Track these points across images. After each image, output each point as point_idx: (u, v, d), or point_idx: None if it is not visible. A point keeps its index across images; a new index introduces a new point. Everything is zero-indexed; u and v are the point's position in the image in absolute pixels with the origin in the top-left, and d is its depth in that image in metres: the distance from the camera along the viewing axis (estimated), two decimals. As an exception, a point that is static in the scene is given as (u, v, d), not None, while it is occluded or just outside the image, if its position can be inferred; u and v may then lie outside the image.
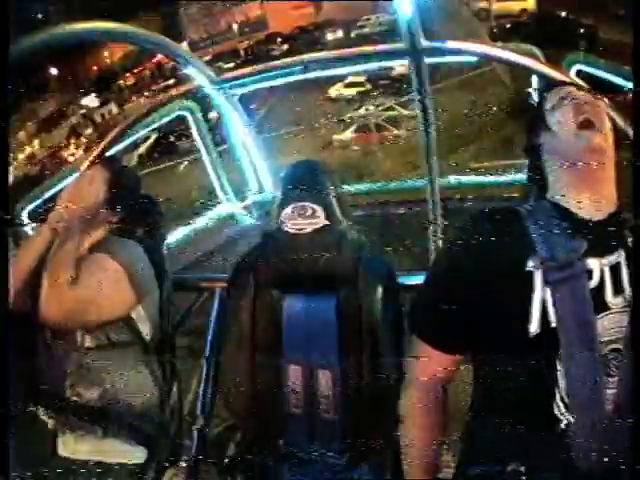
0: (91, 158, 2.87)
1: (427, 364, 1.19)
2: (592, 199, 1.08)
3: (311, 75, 2.98)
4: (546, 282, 1.03)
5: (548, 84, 1.25)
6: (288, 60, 3.11)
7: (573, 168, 1.08)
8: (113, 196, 1.65)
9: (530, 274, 1.04)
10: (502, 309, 1.05)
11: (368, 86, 13.45)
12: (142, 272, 1.58)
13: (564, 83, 1.24)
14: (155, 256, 1.65)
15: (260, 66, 3.18)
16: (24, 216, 3.11)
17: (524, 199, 1.19)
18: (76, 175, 1.74)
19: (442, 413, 1.19)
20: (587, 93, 1.16)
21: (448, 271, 1.17)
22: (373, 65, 3.34)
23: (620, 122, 1.94)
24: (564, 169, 1.10)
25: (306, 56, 3.01)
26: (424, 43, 2.45)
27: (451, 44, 2.54)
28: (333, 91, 13.72)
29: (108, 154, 2.92)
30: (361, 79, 13.30)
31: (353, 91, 13.46)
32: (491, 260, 1.07)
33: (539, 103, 1.20)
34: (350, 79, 12.97)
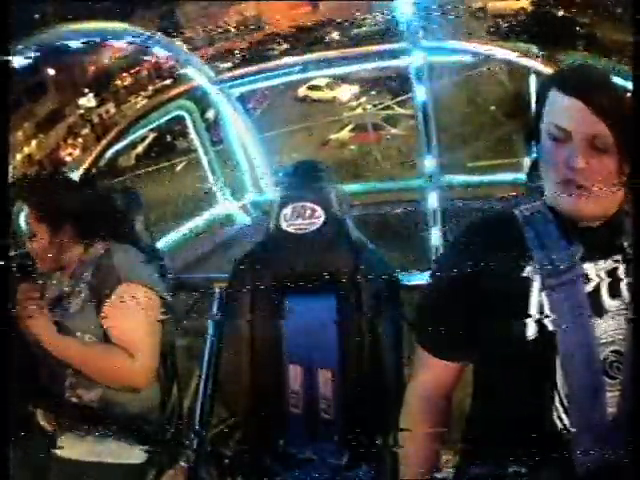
0: (91, 159, 2.87)
1: (430, 373, 1.19)
2: (586, 205, 1.07)
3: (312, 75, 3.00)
4: (543, 287, 1.03)
5: (543, 84, 1.19)
6: (288, 60, 3.12)
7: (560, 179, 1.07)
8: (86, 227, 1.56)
9: (527, 280, 1.04)
10: (500, 315, 1.05)
11: (326, 90, 13.33)
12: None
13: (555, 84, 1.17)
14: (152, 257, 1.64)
15: (260, 66, 3.18)
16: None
17: (524, 198, 1.19)
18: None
19: (444, 423, 1.18)
20: (573, 97, 1.11)
21: (446, 282, 1.17)
22: (375, 64, 3.35)
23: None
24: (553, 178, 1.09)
25: (306, 56, 3.01)
26: (424, 42, 2.46)
27: (450, 43, 2.54)
28: (300, 92, 13.58)
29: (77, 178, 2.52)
30: (322, 83, 13.18)
31: (317, 94, 13.31)
32: (489, 268, 1.07)
33: (538, 105, 1.16)
34: (313, 82, 12.85)
